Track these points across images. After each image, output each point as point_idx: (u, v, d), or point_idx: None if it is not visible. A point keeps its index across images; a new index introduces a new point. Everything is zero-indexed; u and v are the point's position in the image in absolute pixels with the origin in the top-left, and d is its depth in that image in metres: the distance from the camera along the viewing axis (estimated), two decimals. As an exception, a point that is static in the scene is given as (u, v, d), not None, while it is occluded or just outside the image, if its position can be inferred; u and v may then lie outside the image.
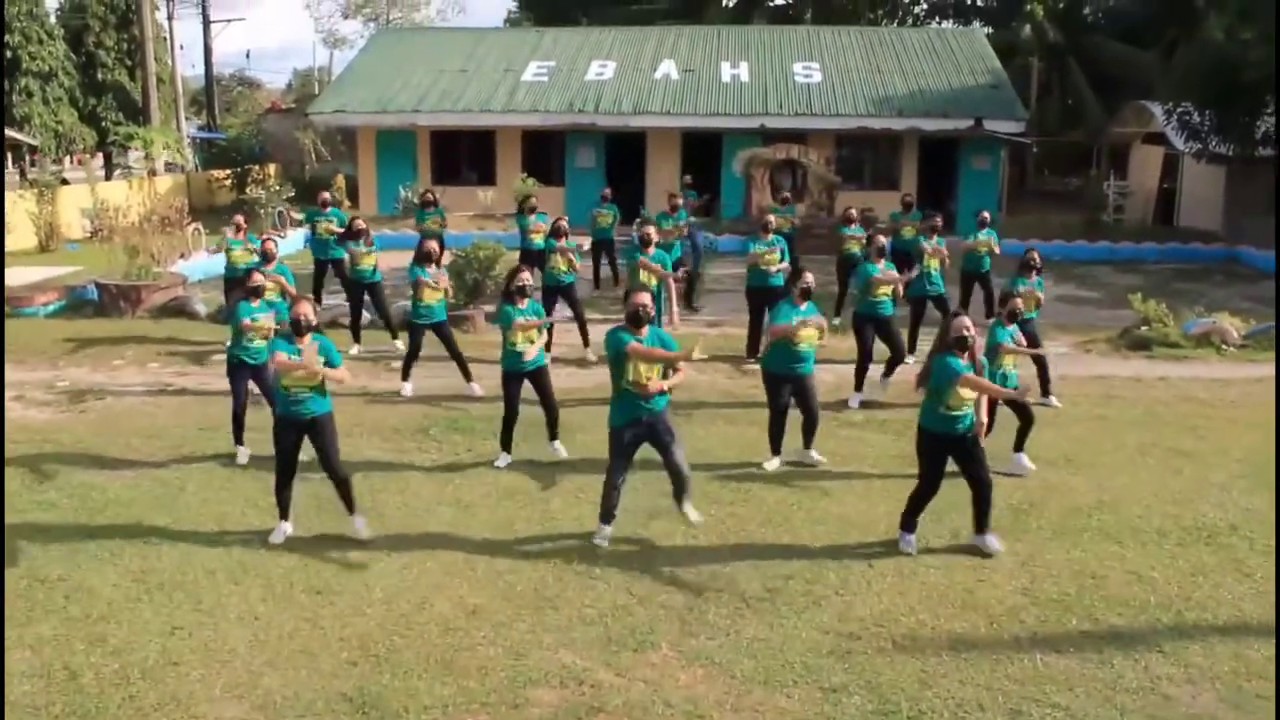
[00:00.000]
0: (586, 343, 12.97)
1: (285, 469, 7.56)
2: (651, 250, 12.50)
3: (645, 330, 7.42)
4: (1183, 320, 14.36)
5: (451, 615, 6.50)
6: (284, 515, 7.65)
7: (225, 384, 11.81)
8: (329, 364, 7.47)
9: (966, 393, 7.28)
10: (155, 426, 10.43)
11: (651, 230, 12.79)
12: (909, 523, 7.57)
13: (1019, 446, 9.16)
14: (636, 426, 7.44)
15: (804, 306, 9.04)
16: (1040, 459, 9.27)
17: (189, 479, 8.90)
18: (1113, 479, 9.03)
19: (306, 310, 7.57)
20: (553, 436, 9.47)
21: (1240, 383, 12.34)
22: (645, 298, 7.51)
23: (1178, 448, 9.91)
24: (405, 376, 11.63)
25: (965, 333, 7.31)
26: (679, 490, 7.57)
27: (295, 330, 7.50)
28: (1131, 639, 6.27)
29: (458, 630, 6.32)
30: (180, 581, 6.94)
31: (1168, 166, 28.15)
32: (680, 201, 16.75)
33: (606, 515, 7.57)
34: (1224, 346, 13.82)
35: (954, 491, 7.80)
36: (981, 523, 7.53)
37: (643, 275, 12.27)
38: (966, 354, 7.33)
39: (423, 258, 11.43)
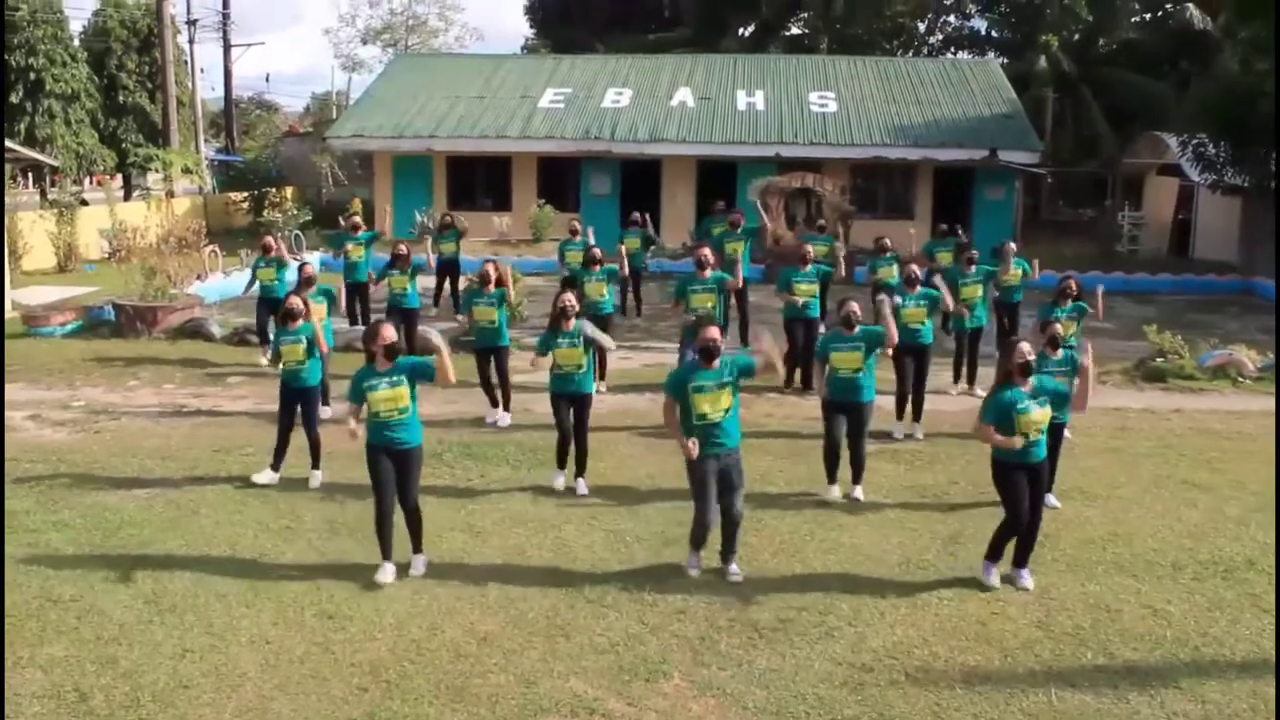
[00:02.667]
0: (603, 375, 12.91)
1: (383, 500, 7.41)
2: (707, 273, 12.26)
3: (716, 364, 7.32)
4: (1198, 352, 14.29)
5: (462, 642, 6.49)
6: (386, 555, 7.44)
7: (240, 406, 12.00)
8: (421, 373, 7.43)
9: (1036, 416, 7.20)
10: (169, 448, 10.46)
11: (707, 252, 12.63)
12: (994, 552, 7.46)
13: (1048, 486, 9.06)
14: (714, 461, 7.32)
15: (852, 333, 9.02)
16: (1055, 491, 9.21)
17: (202, 501, 8.91)
18: (1127, 511, 8.98)
19: (389, 335, 7.44)
20: (579, 473, 9.33)
21: (1256, 415, 12.26)
22: (714, 331, 7.42)
23: (1193, 480, 9.85)
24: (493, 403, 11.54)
25: (1028, 358, 7.27)
26: (728, 542, 7.52)
27: (388, 355, 7.37)
28: (1147, 674, 6.21)
29: (469, 657, 6.31)
30: (192, 604, 6.94)
31: (1183, 197, 28.10)
32: (742, 219, 16.55)
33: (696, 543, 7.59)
34: (1240, 378, 13.75)
35: (966, 522, 7.78)
36: (1021, 557, 7.45)
37: (695, 299, 12.05)
38: (1027, 381, 7.26)
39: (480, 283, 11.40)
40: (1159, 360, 14.11)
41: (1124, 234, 28.60)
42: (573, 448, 9.30)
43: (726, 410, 7.29)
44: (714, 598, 7.13)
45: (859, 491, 9.21)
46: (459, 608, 6.94)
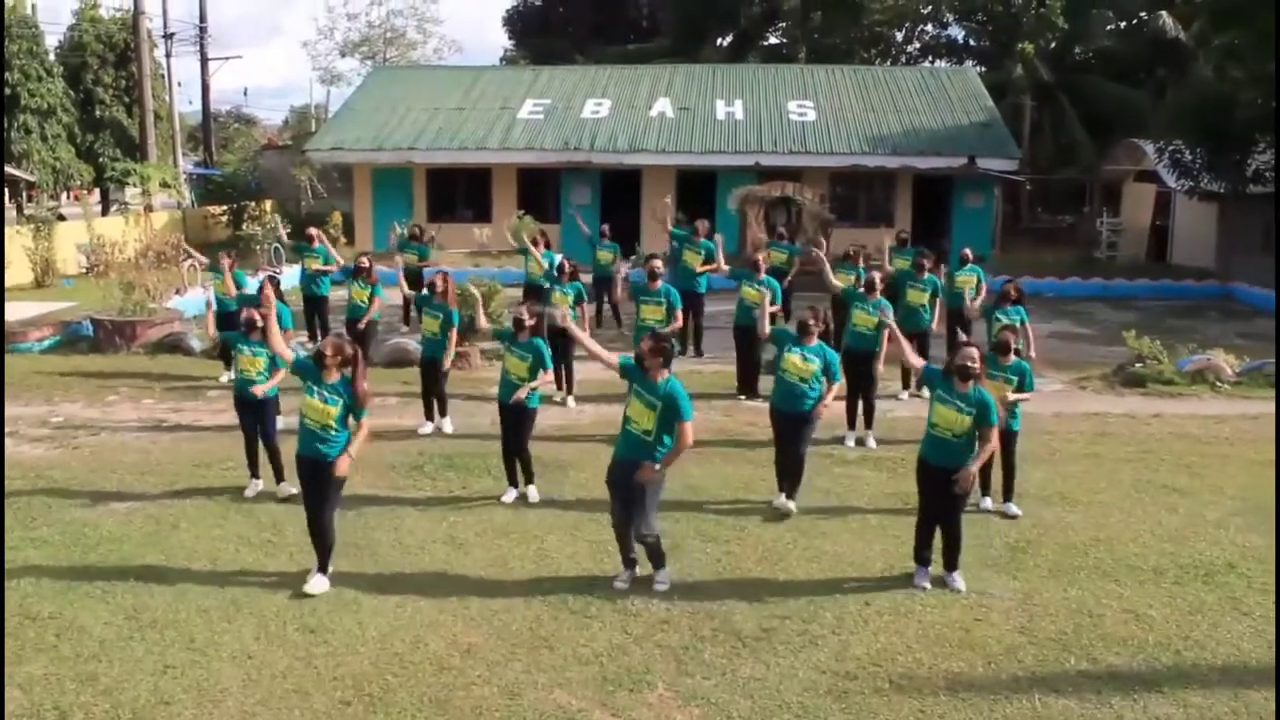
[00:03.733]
0: (571, 389, 12.88)
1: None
2: (658, 284, 12.30)
3: (657, 377, 7.24)
4: (1177, 357, 14.37)
5: (445, 654, 6.46)
6: (255, 474, 7.95)
7: (219, 420, 11.90)
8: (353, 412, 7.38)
9: (951, 419, 7.27)
10: (149, 463, 10.39)
11: (658, 263, 12.63)
12: (920, 555, 7.56)
13: (1006, 496, 9.11)
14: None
15: (810, 344, 8.97)
16: (1035, 496, 9.27)
17: (182, 516, 8.85)
18: (1108, 516, 9.02)
19: (341, 348, 7.42)
20: (528, 480, 9.34)
21: (1235, 419, 12.35)
22: (648, 344, 7.35)
23: (1173, 485, 9.91)
24: (427, 416, 11.56)
25: (969, 363, 7.31)
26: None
27: (339, 366, 7.33)
28: (1130, 679, 6.24)
29: (452, 670, 6.28)
30: (173, 620, 6.89)
31: (1160, 204, 28.31)
32: (704, 226, 16.49)
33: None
34: (1218, 383, 13.84)
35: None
36: (949, 560, 7.54)
37: (644, 310, 12.13)
38: (969, 383, 7.31)
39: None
40: (1138, 366, 14.20)
41: (1103, 240, 28.78)
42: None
43: (646, 431, 7.20)
44: (697, 607, 7.12)
45: (788, 502, 9.04)
46: (442, 620, 6.91)
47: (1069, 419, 12.20)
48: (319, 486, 7.39)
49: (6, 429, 11.48)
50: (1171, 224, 27.86)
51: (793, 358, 8.89)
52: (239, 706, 5.87)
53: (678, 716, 5.81)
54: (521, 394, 9.05)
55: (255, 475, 9.45)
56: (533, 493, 9.31)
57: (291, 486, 9.26)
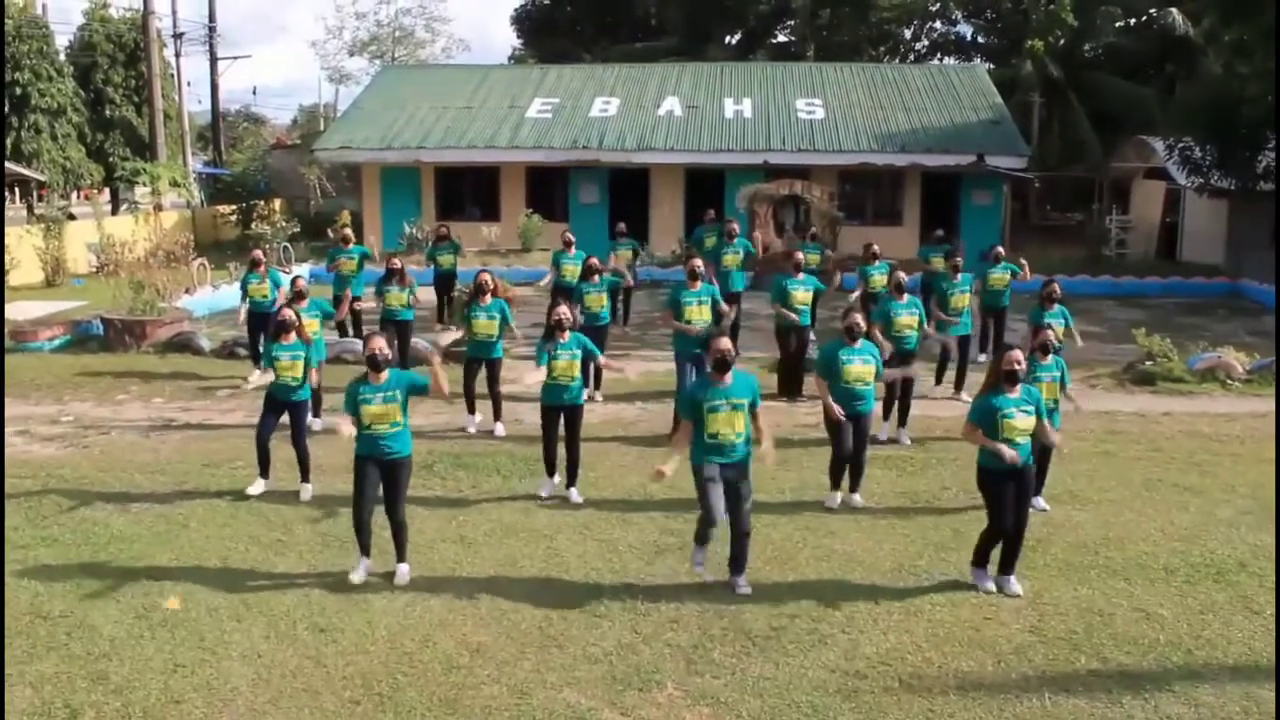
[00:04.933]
0: (599, 385, 12.90)
1: (361, 509, 7.47)
2: (698, 284, 11.57)
3: (729, 378, 7.24)
4: (1187, 355, 14.33)
5: (455, 653, 6.46)
6: (365, 552, 7.58)
7: (229, 419, 11.93)
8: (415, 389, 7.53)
9: (1020, 423, 7.23)
10: (159, 462, 10.42)
11: (698, 263, 12.04)
12: (980, 558, 7.51)
13: (1036, 490, 9.09)
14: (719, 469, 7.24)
15: (857, 345, 9.01)
16: (1045, 495, 9.23)
17: (192, 515, 8.87)
18: (1119, 515, 8.99)
19: (380, 345, 7.48)
20: (570, 483, 9.32)
21: (1245, 417, 12.30)
22: (726, 342, 7.34)
23: (1183, 483, 9.88)
24: (470, 410, 11.56)
25: (1015, 366, 7.29)
26: (737, 554, 7.43)
27: (372, 367, 7.40)
28: (1141, 678, 6.22)
29: (461, 669, 6.28)
30: (182, 619, 6.90)
31: (1169, 201, 28.22)
32: (736, 228, 16.24)
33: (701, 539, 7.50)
34: (1229, 381, 13.78)
35: (958, 527, 7.77)
36: (1008, 564, 7.46)
37: (687, 311, 11.31)
38: (1015, 388, 7.29)
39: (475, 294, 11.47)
40: (1148, 364, 14.15)
41: (1112, 238, 28.70)
42: (563, 456, 9.28)
43: (739, 434, 7.22)
44: (707, 606, 7.12)
45: (858, 499, 9.23)
46: (451, 619, 6.92)
47: (1078, 417, 12.12)
48: (395, 483, 7.48)
49: (18, 428, 11.53)
50: (1181, 221, 27.77)
51: (852, 365, 8.93)
52: (249, 705, 5.88)
53: (687, 716, 5.80)
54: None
55: (264, 474, 9.46)
56: (575, 495, 9.26)
57: (313, 487, 9.31)
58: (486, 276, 11.44)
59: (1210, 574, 7.74)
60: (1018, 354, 7.38)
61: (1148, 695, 6.01)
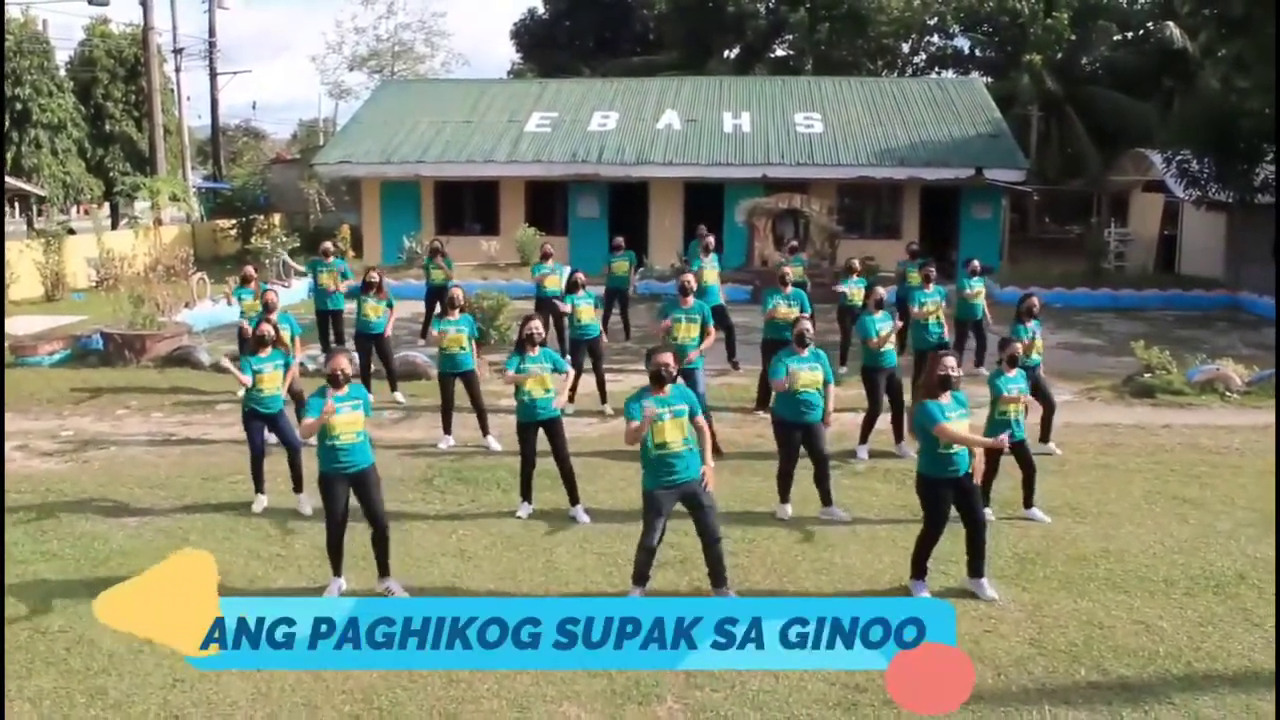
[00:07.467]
0: (604, 398, 12.90)
1: (337, 524, 7.49)
2: (690, 300, 11.68)
3: (667, 389, 7.28)
4: (1186, 367, 14.35)
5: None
6: (337, 572, 7.60)
7: (229, 434, 11.90)
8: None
9: (954, 431, 7.27)
10: (158, 477, 10.42)
11: (690, 278, 12.18)
12: (918, 569, 7.54)
13: (1028, 502, 9.15)
14: (670, 490, 7.27)
15: (805, 354, 9.04)
16: (1045, 507, 9.23)
17: (192, 530, 8.87)
18: (1118, 527, 8.99)
19: (343, 363, 7.56)
20: (573, 500, 9.24)
21: (1244, 430, 12.30)
22: (668, 356, 7.38)
23: (1183, 495, 9.88)
24: (446, 429, 11.55)
25: (949, 371, 7.34)
26: (713, 566, 7.38)
27: (332, 383, 7.44)
28: (1141, 690, 6.22)
29: (461, 683, 6.27)
30: (182, 633, 6.89)
31: (1168, 214, 28.27)
32: (711, 241, 16.14)
33: (639, 578, 7.40)
34: (1228, 393, 13.80)
35: (957, 540, 7.72)
36: (976, 567, 7.52)
37: (677, 328, 11.44)
38: (946, 394, 7.36)
39: (445, 309, 11.56)
40: (1147, 376, 14.16)
41: (1110, 251, 28.73)
42: (558, 474, 9.29)
43: (686, 439, 7.23)
44: (706, 619, 7.10)
45: (838, 511, 9.19)
46: (451, 633, 6.90)
47: (1078, 429, 12.17)
48: (367, 493, 7.50)
49: (18, 443, 11.53)
50: (1180, 234, 27.82)
51: (800, 372, 8.92)
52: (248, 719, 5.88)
53: (687, 729, 5.80)
54: (561, 401, 9.28)
55: (260, 490, 9.48)
56: (581, 514, 9.18)
57: (310, 499, 9.30)
58: (457, 292, 11.65)
59: (1210, 586, 7.74)
60: (951, 360, 7.44)
61: (1148, 708, 6.01)
